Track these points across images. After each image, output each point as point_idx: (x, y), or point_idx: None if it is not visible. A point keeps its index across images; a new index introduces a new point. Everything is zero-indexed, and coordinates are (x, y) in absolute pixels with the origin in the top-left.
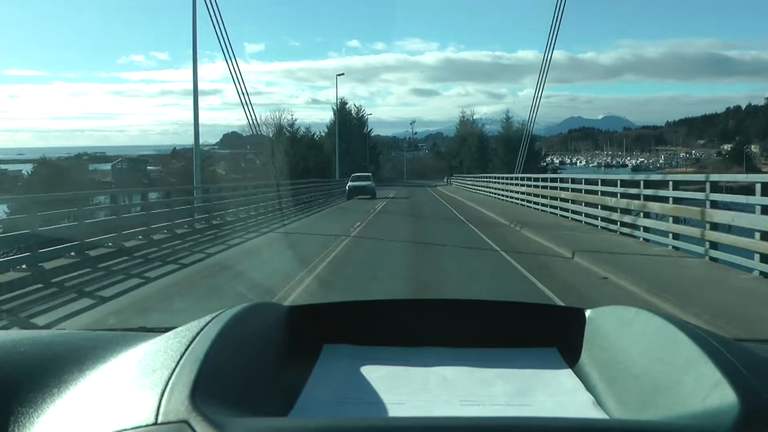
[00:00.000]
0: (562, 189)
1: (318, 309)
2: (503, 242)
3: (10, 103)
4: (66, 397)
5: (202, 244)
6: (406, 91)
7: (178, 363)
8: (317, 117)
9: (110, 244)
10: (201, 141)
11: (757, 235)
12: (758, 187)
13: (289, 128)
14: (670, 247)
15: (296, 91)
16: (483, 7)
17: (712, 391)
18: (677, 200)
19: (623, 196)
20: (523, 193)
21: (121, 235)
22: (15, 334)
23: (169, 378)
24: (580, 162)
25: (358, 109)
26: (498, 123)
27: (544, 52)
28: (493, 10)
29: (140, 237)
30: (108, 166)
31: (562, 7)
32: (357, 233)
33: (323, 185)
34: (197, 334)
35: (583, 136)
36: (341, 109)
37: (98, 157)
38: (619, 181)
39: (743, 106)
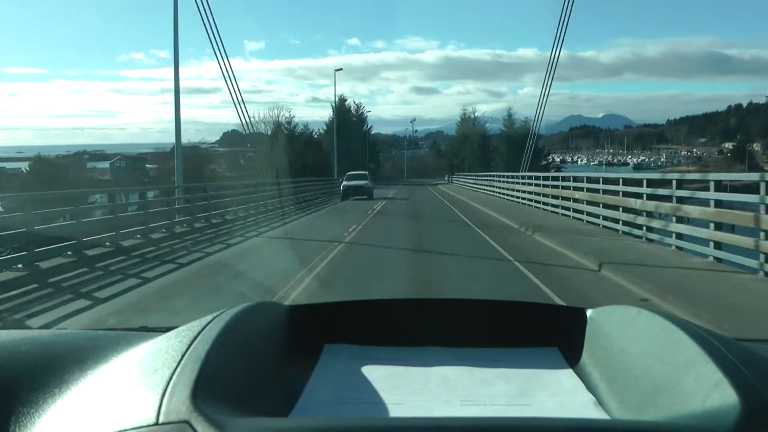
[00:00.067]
0: (575, 189)
1: (319, 309)
2: (515, 250)
3: (10, 101)
4: (67, 397)
5: (175, 252)
6: (406, 90)
7: (179, 363)
8: (317, 115)
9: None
10: (200, 139)
11: None
12: None
13: (287, 125)
14: (711, 259)
15: (296, 90)
16: (483, 5)
17: (713, 391)
18: (718, 203)
19: (650, 197)
20: (530, 192)
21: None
22: (16, 333)
23: (170, 378)
24: (581, 160)
25: (358, 107)
26: (498, 121)
27: (551, 52)
28: (494, 9)
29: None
30: (107, 164)
31: (569, 6)
32: (352, 238)
33: (321, 184)
34: (198, 333)
35: (584, 135)
36: (340, 106)
37: (98, 155)
38: (645, 181)
39: (744, 105)
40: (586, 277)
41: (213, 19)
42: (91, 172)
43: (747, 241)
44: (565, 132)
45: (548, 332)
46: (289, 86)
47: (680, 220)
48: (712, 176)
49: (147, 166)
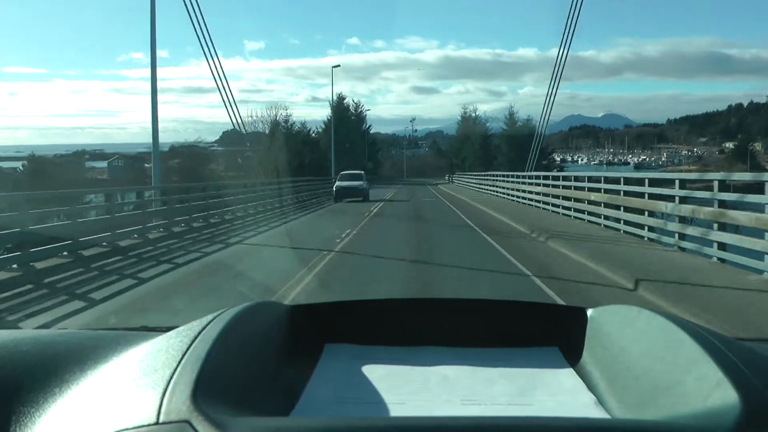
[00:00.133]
0: (590, 190)
1: (319, 308)
2: (530, 261)
3: (10, 100)
4: (67, 397)
5: (143, 263)
6: (406, 89)
7: (179, 362)
8: (317, 115)
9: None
10: (197, 138)
11: None
12: None
13: (284, 124)
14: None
15: (296, 89)
16: (483, 5)
17: (714, 391)
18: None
19: (683, 200)
20: (538, 193)
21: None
22: (17, 333)
23: (171, 377)
24: (581, 160)
25: (357, 105)
26: (498, 121)
27: (558, 52)
28: (493, 8)
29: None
30: (105, 164)
31: (578, 7)
32: (344, 245)
33: (317, 183)
34: (199, 333)
35: (584, 134)
36: (339, 105)
37: (97, 154)
38: (678, 181)
39: (744, 104)
40: (623, 299)
41: (203, 21)
42: (90, 172)
43: None
44: (565, 131)
45: (549, 332)
46: (289, 86)
47: (723, 227)
48: None
49: (146, 165)
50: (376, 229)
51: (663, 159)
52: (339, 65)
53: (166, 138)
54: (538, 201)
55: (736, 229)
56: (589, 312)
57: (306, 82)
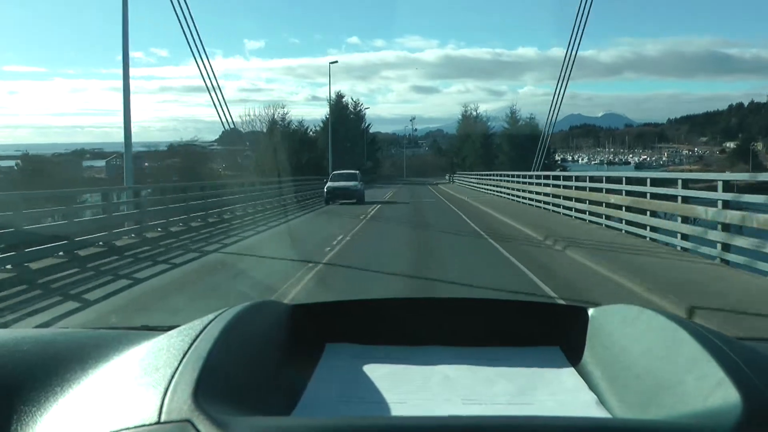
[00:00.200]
0: (609, 192)
1: (320, 308)
2: (551, 276)
3: (10, 99)
4: (69, 396)
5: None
6: (406, 89)
7: (180, 362)
8: (317, 114)
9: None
10: (195, 137)
11: None
12: None
13: (280, 122)
14: None
15: (296, 88)
16: (483, 4)
17: (715, 390)
18: None
19: (726, 205)
20: (547, 194)
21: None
22: (17, 332)
23: (172, 377)
24: (582, 159)
25: (356, 103)
26: (499, 120)
27: (567, 50)
28: (493, 8)
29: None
30: (103, 163)
31: (588, 6)
32: (334, 256)
33: (314, 183)
34: (200, 332)
35: (584, 134)
36: (337, 103)
37: (97, 153)
38: (721, 183)
39: (745, 104)
40: None
41: (192, 20)
42: (88, 171)
43: None
44: (565, 131)
45: (549, 331)
46: (289, 85)
47: None
48: None
49: (145, 164)
50: (371, 236)
51: (664, 159)
52: (336, 61)
53: (166, 136)
54: (547, 203)
55: None
56: (590, 311)
57: (306, 81)
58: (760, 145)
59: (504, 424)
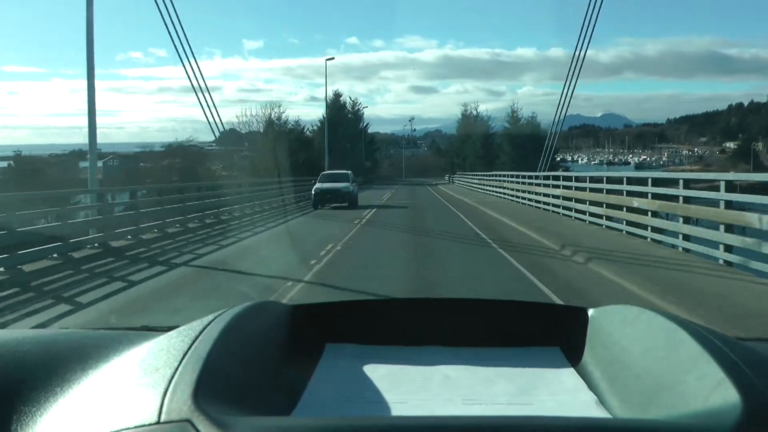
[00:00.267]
0: (630, 194)
1: (320, 308)
2: (574, 295)
3: (9, 100)
4: (69, 396)
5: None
6: (404, 89)
7: (180, 362)
8: (316, 114)
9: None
10: (191, 137)
11: None
12: None
13: (276, 121)
14: None
15: (295, 89)
16: (482, 4)
17: (715, 390)
18: None
19: None
20: (557, 197)
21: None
22: (18, 332)
23: (172, 377)
24: (582, 159)
25: (354, 103)
26: (498, 120)
27: (575, 49)
28: (492, 8)
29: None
30: (100, 163)
31: (599, 4)
32: (320, 271)
33: (309, 184)
34: (200, 333)
35: (584, 134)
36: (335, 102)
37: (96, 153)
38: None
39: (744, 104)
40: None
41: (179, 19)
42: (84, 172)
43: None
44: (564, 131)
45: (549, 332)
46: (288, 85)
47: None
48: None
49: (141, 164)
50: (365, 245)
51: (664, 159)
52: (333, 57)
53: (165, 137)
54: (557, 205)
55: None
56: (590, 312)
57: (305, 81)
58: (760, 145)
59: (504, 424)
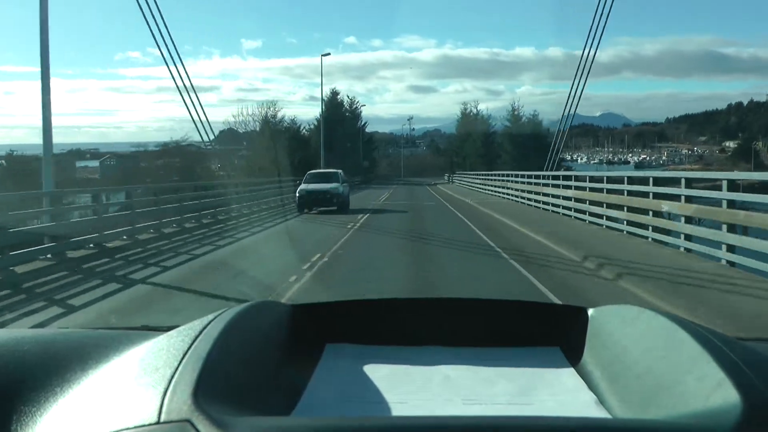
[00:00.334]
0: (657, 196)
1: (320, 308)
2: None
3: (7, 99)
4: (69, 396)
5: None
6: (403, 88)
7: (180, 362)
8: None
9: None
10: (185, 136)
11: None
12: None
13: (272, 119)
14: None
15: (293, 88)
16: (481, 4)
17: (715, 390)
18: None
19: None
20: (568, 198)
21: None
22: (18, 332)
23: (172, 377)
24: (581, 159)
25: (352, 101)
26: (497, 120)
27: (584, 48)
28: (491, 8)
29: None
30: (97, 163)
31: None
32: (301, 289)
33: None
34: (200, 332)
35: (583, 133)
36: (332, 100)
37: (94, 153)
38: None
39: (744, 103)
40: None
41: (164, 21)
42: (81, 171)
43: None
44: (563, 130)
45: (549, 332)
46: (286, 85)
47: None
48: None
49: (140, 164)
50: (357, 257)
51: (663, 158)
52: (329, 53)
53: (163, 137)
54: (568, 207)
55: None
56: (590, 312)
57: (303, 81)
58: (760, 144)
59: (504, 424)
